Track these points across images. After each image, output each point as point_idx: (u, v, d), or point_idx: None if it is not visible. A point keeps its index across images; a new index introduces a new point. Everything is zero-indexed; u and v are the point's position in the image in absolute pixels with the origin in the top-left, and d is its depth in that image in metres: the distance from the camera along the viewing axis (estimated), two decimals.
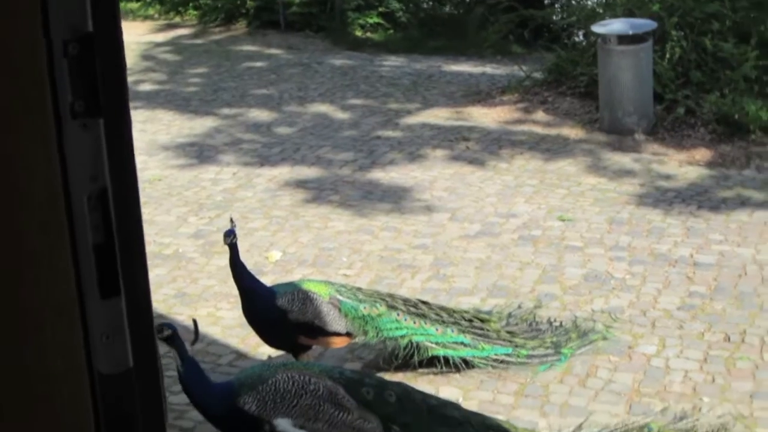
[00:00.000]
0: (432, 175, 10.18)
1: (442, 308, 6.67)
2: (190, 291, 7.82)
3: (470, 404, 6.08)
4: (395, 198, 9.62)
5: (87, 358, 1.97)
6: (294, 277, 7.81)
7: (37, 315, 1.92)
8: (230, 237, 6.12)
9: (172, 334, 5.18)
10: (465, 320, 6.59)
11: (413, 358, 6.38)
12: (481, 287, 7.72)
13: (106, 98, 1.90)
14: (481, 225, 8.91)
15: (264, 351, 6.73)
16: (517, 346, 6.56)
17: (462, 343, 6.45)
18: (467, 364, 6.47)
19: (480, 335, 6.52)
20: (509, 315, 7.04)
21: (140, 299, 2.02)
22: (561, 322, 7.00)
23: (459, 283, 7.81)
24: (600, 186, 9.76)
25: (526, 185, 9.85)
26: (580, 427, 5.79)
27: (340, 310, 6.25)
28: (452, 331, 6.46)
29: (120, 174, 1.94)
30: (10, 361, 1.92)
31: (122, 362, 1.99)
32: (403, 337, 6.36)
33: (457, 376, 6.46)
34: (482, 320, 6.66)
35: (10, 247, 1.88)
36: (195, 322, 5.39)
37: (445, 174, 10.22)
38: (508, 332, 6.69)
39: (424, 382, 6.33)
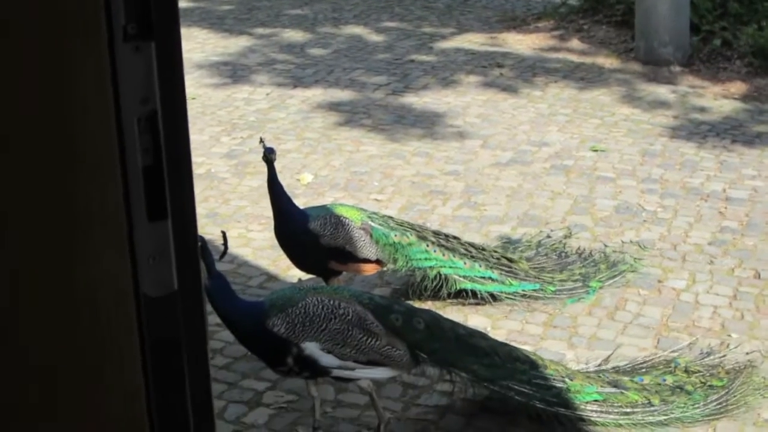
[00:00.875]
0: (465, 101, 10.08)
1: (471, 244, 6.62)
2: (221, 211, 7.80)
3: (498, 333, 6.06)
4: (428, 123, 9.53)
5: (134, 281, 1.99)
6: (325, 200, 7.76)
7: (86, 237, 1.92)
8: (272, 154, 6.07)
9: (201, 246, 5.10)
10: (493, 258, 6.54)
11: (441, 291, 6.34)
12: (512, 216, 7.66)
13: (158, 21, 1.90)
14: (513, 153, 8.83)
15: (294, 274, 6.70)
16: (544, 282, 6.52)
17: (490, 278, 6.40)
18: (494, 299, 6.43)
19: (507, 272, 6.47)
20: (539, 244, 7.01)
21: (186, 222, 2.04)
22: (591, 253, 6.95)
23: (490, 211, 7.75)
24: (634, 117, 9.63)
25: (560, 114, 9.74)
26: (607, 359, 5.75)
27: (371, 236, 6.20)
28: (480, 265, 6.41)
29: (170, 97, 1.95)
30: (58, 282, 1.93)
31: (168, 285, 2.02)
32: (431, 268, 6.31)
33: (485, 305, 6.42)
34: (510, 260, 6.60)
35: (60, 168, 1.88)
36: (224, 234, 5.34)
37: (478, 100, 10.11)
38: (536, 268, 6.64)
39: (452, 311, 6.29)
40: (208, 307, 5.29)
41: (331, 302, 5.13)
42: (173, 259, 2.02)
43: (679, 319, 6.30)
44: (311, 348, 5.06)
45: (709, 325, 6.23)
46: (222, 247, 5.30)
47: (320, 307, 5.11)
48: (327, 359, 5.07)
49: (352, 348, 5.09)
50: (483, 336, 5.48)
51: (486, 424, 5.39)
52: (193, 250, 2.08)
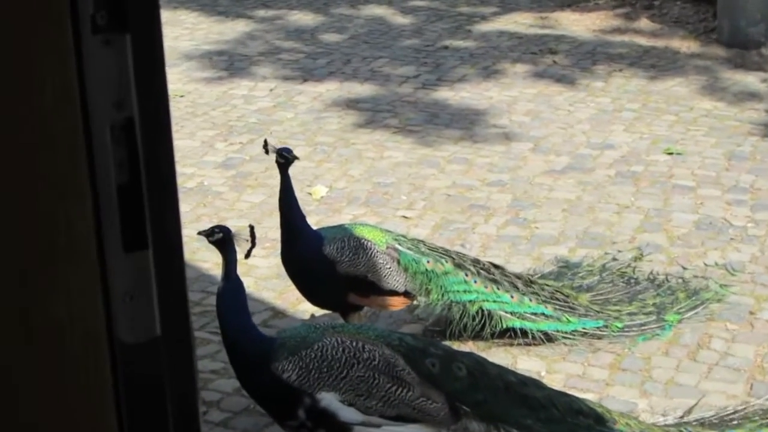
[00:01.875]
0: (511, 96, 10.08)
1: (518, 276, 6.57)
2: None
3: (554, 379, 6.03)
4: (466, 123, 9.53)
5: (107, 324, 1.97)
6: (343, 218, 7.76)
7: (49, 271, 1.90)
8: (289, 154, 6.02)
9: (223, 239, 5.15)
10: (545, 291, 6.48)
11: (484, 330, 6.29)
12: (570, 234, 7.63)
13: (133, 9, 1.89)
14: (570, 158, 8.81)
15: (306, 308, 6.68)
16: (610, 317, 6.46)
17: (542, 314, 6.35)
18: (549, 339, 6.37)
19: (564, 307, 6.41)
20: (603, 268, 6.97)
21: (171, 253, 2.02)
22: (666, 278, 6.91)
23: (543, 228, 7.72)
24: (717, 112, 9.61)
25: (626, 110, 9.73)
26: (689, 410, 5.70)
27: (398, 262, 6.16)
28: (530, 299, 6.36)
29: (149, 101, 1.94)
30: (19, 326, 1.91)
31: (148, 329, 2.00)
32: (472, 302, 6.27)
33: (538, 345, 6.38)
34: (566, 294, 6.55)
35: (16, 189, 1.86)
36: (251, 228, 5.38)
37: (526, 94, 10.11)
38: (599, 300, 6.58)
39: (499, 353, 6.26)
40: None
41: (354, 344, 5.11)
42: (155, 299, 1.99)
43: None
44: (328, 399, 5.04)
45: None
46: (248, 244, 5.35)
47: (340, 349, 5.09)
48: (347, 413, 5.05)
49: (379, 400, 5.06)
50: (537, 384, 5.44)
51: None
52: (179, 286, 2.06)
